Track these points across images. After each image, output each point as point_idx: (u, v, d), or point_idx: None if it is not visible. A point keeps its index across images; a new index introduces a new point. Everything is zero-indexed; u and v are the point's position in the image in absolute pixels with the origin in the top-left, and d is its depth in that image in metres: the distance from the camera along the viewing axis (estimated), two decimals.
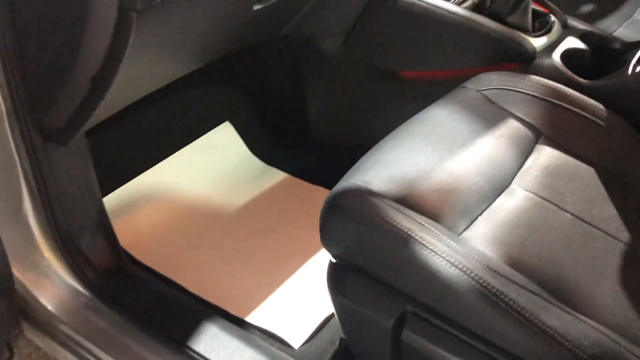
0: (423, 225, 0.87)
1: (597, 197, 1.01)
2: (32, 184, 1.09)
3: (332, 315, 1.21)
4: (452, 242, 0.85)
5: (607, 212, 0.99)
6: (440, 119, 1.10)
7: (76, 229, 1.18)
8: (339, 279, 0.96)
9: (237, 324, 1.18)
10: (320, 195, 1.53)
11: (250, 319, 1.21)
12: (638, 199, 1.03)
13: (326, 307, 1.22)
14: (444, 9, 1.33)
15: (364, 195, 0.91)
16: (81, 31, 0.89)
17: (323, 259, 1.34)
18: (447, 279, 0.81)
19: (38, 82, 0.98)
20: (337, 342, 1.11)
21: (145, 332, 1.13)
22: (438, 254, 0.83)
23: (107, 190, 1.46)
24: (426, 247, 0.84)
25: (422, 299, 0.86)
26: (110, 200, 1.45)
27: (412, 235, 0.85)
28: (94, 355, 1.16)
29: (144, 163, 1.55)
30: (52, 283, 1.19)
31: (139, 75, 1.09)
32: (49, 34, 0.93)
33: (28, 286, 1.18)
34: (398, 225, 0.86)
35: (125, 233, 1.35)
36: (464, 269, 0.81)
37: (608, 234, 0.95)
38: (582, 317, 0.82)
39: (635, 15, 1.63)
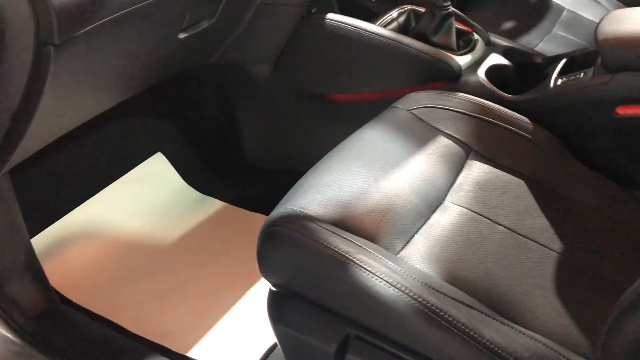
0: (360, 247, 0.87)
1: (528, 209, 1.03)
2: None
3: (275, 345, 1.19)
4: (390, 263, 0.85)
5: (538, 222, 1.01)
6: (372, 139, 1.11)
7: (3, 273, 1.12)
8: (279, 307, 0.94)
9: None
10: (258, 222, 1.51)
11: (193, 354, 1.18)
12: (567, 209, 1.06)
13: (269, 337, 1.20)
14: (369, 31, 1.35)
15: (300, 220, 0.90)
16: None
17: (260, 289, 1.32)
18: (387, 299, 0.81)
19: None
20: None
21: None
22: (377, 276, 0.83)
23: (36, 230, 1.40)
24: (364, 269, 0.83)
25: (364, 322, 0.86)
26: (39, 240, 1.39)
27: (350, 258, 0.84)
28: None
29: (74, 199, 1.50)
30: None
31: (63, 109, 1.05)
32: None
33: None
34: (336, 249, 0.85)
35: (57, 273, 1.30)
36: (403, 288, 0.81)
37: (540, 244, 0.97)
38: (521, 328, 0.83)
39: (554, 30, 1.69)
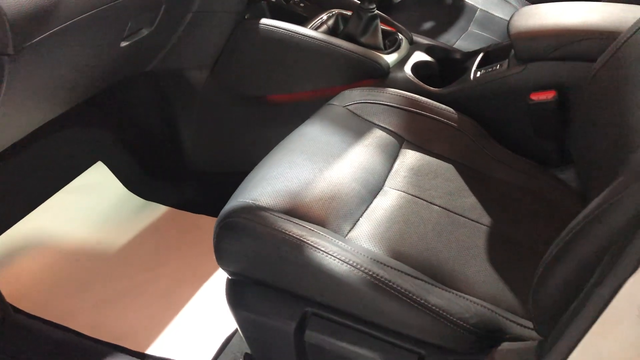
0: (313, 230, 0.94)
1: (458, 189, 1.13)
2: None
3: (232, 335, 1.24)
4: (340, 243, 0.93)
5: (468, 201, 1.11)
6: (314, 134, 1.18)
7: None
8: (238, 294, 1.00)
9: (139, 358, 1.18)
10: (203, 222, 1.57)
11: (151, 351, 1.22)
12: (491, 187, 1.16)
13: (224, 327, 1.25)
14: (302, 34, 1.42)
15: (254, 211, 0.96)
16: None
17: (214, 283, 1.38)
18: (341, 275, 0.89)
19: None
20: (243, 357, 1.14)
21: None
22: (330, 254, 0.90)
23: None
24: (318, 249, 0.91)
25: (320, 299, 0.93)
26: None
27: (304, 240, 0.91)
28: None
29: (18, 211, 1.50)
30: None
31: (10, 120, 1.07)
32: None
33: None
34: (290, 233, 0.92)
35: (6, 284, 1.30)
36: (354, 264, 0.89)
37: (472, 220, 1.07)
38: (461, 294, 0.92)
39: (470, 28, 1.82)
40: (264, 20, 1.43)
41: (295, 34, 1.43)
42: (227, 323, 1.24)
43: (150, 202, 1.63)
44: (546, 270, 0.75)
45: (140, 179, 1.68)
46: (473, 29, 1.83)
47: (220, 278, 1.37)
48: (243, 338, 1.05)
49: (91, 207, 1.59)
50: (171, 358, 1.19)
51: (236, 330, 1.24)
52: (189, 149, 1.63)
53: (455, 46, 1.69)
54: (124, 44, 1.18)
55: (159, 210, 1.61)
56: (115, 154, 1.68)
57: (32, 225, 1.50)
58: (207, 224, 1.55)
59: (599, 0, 1.34)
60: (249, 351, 1.14)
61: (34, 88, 1.03)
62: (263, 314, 0.97)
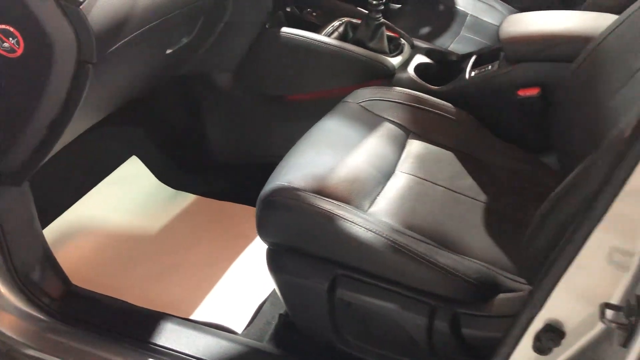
0: (340, 205, 1.13)
1: (458, 173, 1.33)
2: None
3: (264, 302, 1.43)
4: (364, 215, 1.13)
5: (467, 182, 1.31)
6: (333, 128, 1.37)
7: (27, 263, 1.31)
8: (277, 261, 1.19)
9: (184, 322, 1.36)
10: (228, 208, 1.76)
11: (194, 317, 1.40)
12: (486, 170, 1.36)
13: (257, 296, 1.44)
14: (317, 40, 1.62)
15: (289, 191, 1.16)
16: (44, 81, 1.05)
17: (243, 258, 1.56)
18: (366, 240, 1.08)
19: None
20: (277, 317, 1.33)
21: (107, 338, 1.28)
22: (356, 224, 1.09)
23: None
24: (346, 219, 1.10)
25: (349, 262, 1.12)
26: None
27: (334, 213, 1.11)
28: None
29: (64, 201, 1.68)
30: (10, 315, 1.31)
31: (78, 120, 1.25)
32: (11, 84, 1.07)
33: None
34: (322, 207, 1.11)
35: (62, 263, 1.48)
36: (377, 232, 1.09)
37: (470, 197, 1.27)
38: (464, 257, 1.12)
39: (461, 32, 2.02)
40: (284, 29, 1.63)
41: (311, 41, 1.62)
42: (259, 292, 1.43)
43: (179, 191, 1.82)
44: (536, 225, 0.94)
45: (171, 171, 1.86)
46: (465, 33, 2.03)
47: (247, 254, 1.56)
48: (281, 300, 1.24)
49: (129, 196, 1.77)
50: (212, 321, 1.38)
51: (268, 298, 1.43)
52: (215, 143, 1.82)
53: (450, 49, 1.88)
54: (168, 51, 1.37)
55: (188, 198, 1.79)
56: (148, 149, 1.87)
57: (80, 213, 1.68)
58: (231, 209, 1.73)
59: (576, 9, 1.55)
60: (282, 313, 1.33)
61: (102, 93, 1.21)
62: (299, 276, 1.16)
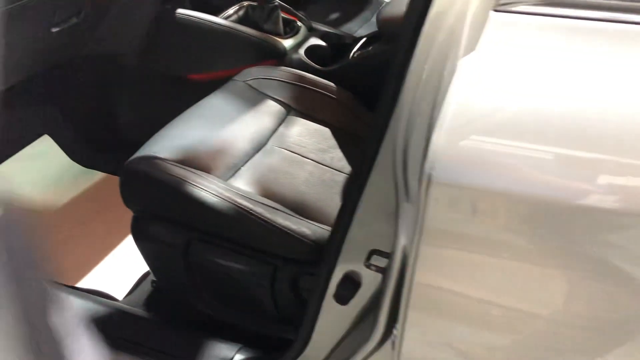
0: (195, 173, 1.19)
1: (329, 147, 1.40)
2: None
3: (148, 272, 1.49)
4: (218, 182, 1.19)
5: (336, 156, 1.37)
6: (214, 104, 1.44)
7: None
8: (140, 228, 1.25)
9: (73, 290, 1.42)
10: None
11: (81, 285, 1.47)
12: (361, 144, 1.42)
13: (143, 264, 1.50)
14: (212, 22, 1.68)
15: (152, 160, 1.22)
16: None
17: None
18: (212, 205, 1.14)
19: None
20: (151, 285, 1.40)
21: None
22: (206, 190, 1.16)
23: None
24: (198, 187, 1.16)
25: (200, 226, 1.19)
26: None
27: (188, 180, 1.17)
28: None
29: None
30: None
31: None
32: None
33: None
34: (177, 175, 1.18)
35: None
36: (224, 197, 1.15)
37: (336, 170, 1.33)
38: (314, 222, 1.18)
39: (372, 19, 2.09)
40: (181, 10, 1.69)
41: (208, 22, 1.68)
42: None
43: (89, 169, 1.88)
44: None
45: (81, 150, 1.92)
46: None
47: None
48: (147, 265, 1.30)
49: (39, 173, 1.83)
50: (100, 290, 1.44)
51: None
52: (123, 122, 1.88)
53: (356, 34, 1.95)
54: (55, 29, 1.42)
55: (97, 176, 1.85)
56: (60, 127, 1.92)
57: None
58: None
59: None
60: (154, 279, 1.39)
61: None
62: (158, 241, 1.23)
